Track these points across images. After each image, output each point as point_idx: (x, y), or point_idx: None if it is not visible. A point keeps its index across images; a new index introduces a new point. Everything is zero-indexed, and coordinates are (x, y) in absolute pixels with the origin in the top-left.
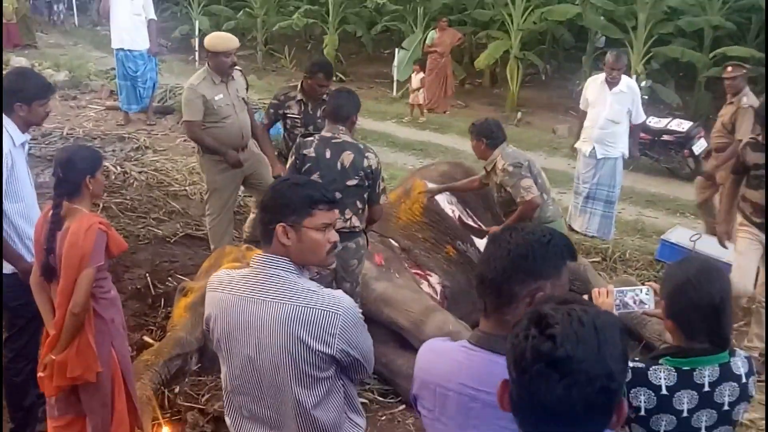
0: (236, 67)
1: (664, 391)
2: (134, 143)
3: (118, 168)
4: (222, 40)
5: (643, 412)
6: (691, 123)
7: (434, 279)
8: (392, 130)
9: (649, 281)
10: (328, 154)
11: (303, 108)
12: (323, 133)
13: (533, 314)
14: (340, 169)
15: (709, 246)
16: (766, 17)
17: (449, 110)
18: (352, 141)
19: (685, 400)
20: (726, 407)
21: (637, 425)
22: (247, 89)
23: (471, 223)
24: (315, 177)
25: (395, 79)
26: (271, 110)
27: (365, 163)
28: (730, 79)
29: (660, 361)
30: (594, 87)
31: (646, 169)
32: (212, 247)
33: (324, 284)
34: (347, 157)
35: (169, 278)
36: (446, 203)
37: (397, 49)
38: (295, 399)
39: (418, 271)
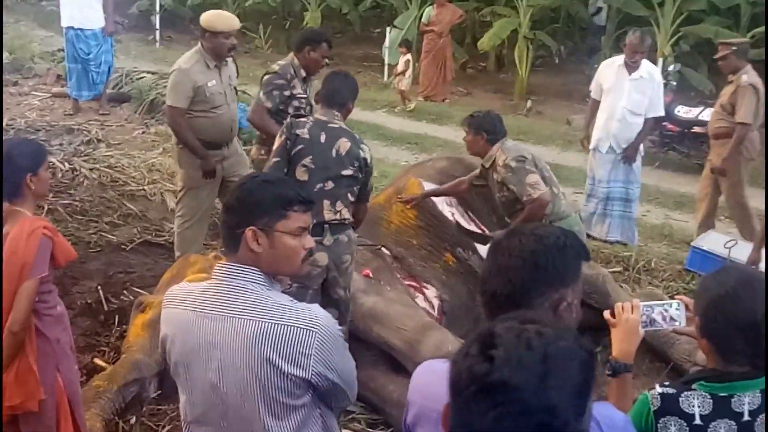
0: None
1: (697, 421)
2: (85, 136)
3: (66, 164)
4: (222, 18)
5: None
6: None
7: (431, 292)
8: (383, 121)
9: (678, 294)
10: (323, 138)
11: (307, 87)
12: (318, 115)
13: (482, 331)
14: (335, 156)
15: (745, 253)
16: (766, 15)
17: (448, 98)
18: (347, 128)
19: (722, 431)
20: None
21: None
22: (237, 76)
23: (471, 227)
24: (307, 161)
25: (386, 62)
26: (276, 92)
27: (361, 154)
28: (721, 59)
29: (693, 386)
30: (610, 72)
31: (675, 166)
32: (177, 254)
33: (313, 288)
34: (344, 145)
35: (125, 291)
36: (444, 205)
37: (388, 28)
38: (266, 431)
39: (413, 283)
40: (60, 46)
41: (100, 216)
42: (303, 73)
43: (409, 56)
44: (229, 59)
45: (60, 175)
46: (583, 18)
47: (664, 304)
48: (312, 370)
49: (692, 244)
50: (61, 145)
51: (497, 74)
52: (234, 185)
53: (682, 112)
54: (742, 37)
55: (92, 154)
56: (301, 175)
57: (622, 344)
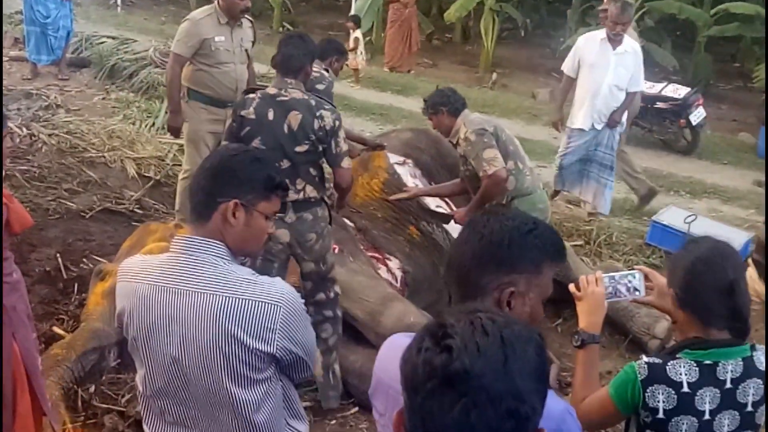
0: (247, 16)
1: (685, 389)
2: (44, 101)
3: (24, 130)
4: None
5: (661, 414)
6: (688, 89)
7: (394, 264)
8: (348, 92)
9: (638, 266)
10: (271, 115)
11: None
12: (267, 89)
13: (431, 324)
14: (287, 132)
15: (705, 228)
16: (766, 11)
17: (414, 69)
18: (301, 98)
19: (707, 399)
20: (749, 408)
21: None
22: (253, 43)
23: (434, 208)
24: (256, 143)
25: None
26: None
27: (316, 124)
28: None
29: (678, 355)
30: (591, 47)
31: (637, 141)
32: (177, 208)
33: (279, 263)
34: (294, 119)
35: (84, 259)
36: (409, 177)
37: None
38: (233, 402)
39: (376, 255)
40: (18, 8)
41: (59, 183)
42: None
43: (358, 33)
44: (248, 24)
45: (18, 140)
46: None
47: (626, 275)
48: (277, 345)
49: (653, 218)
50: (19, 110)
51: (463, 46)
52: (222, 152)
53: (646, 87)
54: (707, 15)
55: (51, 120)
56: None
57: (589, 316)
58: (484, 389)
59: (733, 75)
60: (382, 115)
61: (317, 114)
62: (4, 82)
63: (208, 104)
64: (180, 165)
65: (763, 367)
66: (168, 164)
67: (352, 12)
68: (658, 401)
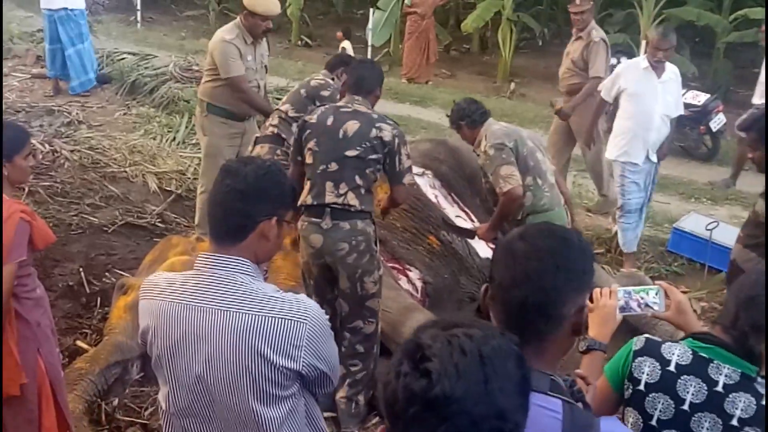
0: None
1: (671, 368)
2: (65, 117)
3: (47, 146)
4: (265, 3)
5: (642, 387)
6: (708, 95)
7: (414, 274)
8: None
9: (659, 276)
10: (329, 121)
11: None
12: (340, 102)
13: (408, 344)
14: (342, 137)
15: (726, 235)
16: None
17: (432, 80)
18: (365, 111)
19: (691, 389)
20: (735, 422)
21: (632, 408)
22: (268, 54)
23: (454, 210)
24: (312, 144)
25: (369, 43)
26: None
27: (373, 133)
28: (580, 13)
29: (682, 341)
30: (633, 75)
31: None
32: (199, 232)
33: (315, 276)
34: (351, 126)
35: (107, 273)
36: (428, 187)
37: (371, 9)
38: (257, 420)
39: (396, 265)
40: (39, 26)
41: (81, 198)
42: None
43: (346, 43)
44: (264, 39)
45: (41, 156)
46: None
47: (641, 290)
48: (303, 362)
49: (674, 225)
50: (41, 126)
51: (481, 56)
52: (245, 171)
53: None
54: (726, 21)
55: (73, 136)
56: (309, 158)
57: (599, 328)
58: (466, 413)
59: (752, 81)
60: (401, 127)
61: (376, 125)
62: (27, 99)
63: (228, 119)
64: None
65: (763, 392)
66: (189, 178)
67: (370, 25)
68: (643, 373)
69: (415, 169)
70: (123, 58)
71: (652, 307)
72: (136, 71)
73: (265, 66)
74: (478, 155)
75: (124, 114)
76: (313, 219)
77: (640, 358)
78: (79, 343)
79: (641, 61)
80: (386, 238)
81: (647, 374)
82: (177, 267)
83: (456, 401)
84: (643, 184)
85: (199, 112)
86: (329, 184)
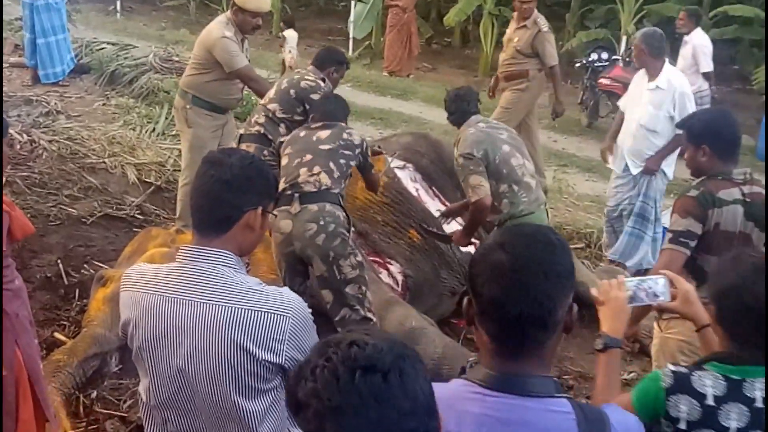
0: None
1: (710, 401)
2: (44, 107)
3: (25, 136)
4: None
5: (683, 425)
6: None
7: (395, 268)
8: (347, 96)
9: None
10: (302, 134)
11: None
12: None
13: (319, 352)
14: (315, 139)
15: None
16: (766, 13)
17: (413, 73)
18: (335, 123)
19: (733, 416)
20: None
21: None
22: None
23: (435, 203)
24: (288, 150)
25: (351, 36)
26: None
27: (344, 135)
28: (527, 3)
29: (705, 366)
30: (636, 80)
31: None
32: (179, 224)
33: (286, 265)
34: (324, 133)
35: (85, 265)
36: (409, 181)
37: (353, 2)
38: (238, 413)
39: (377, 259)
40: (17, 15)
41: (59, 189)
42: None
43: (289, 32)
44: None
45: (18, 147)
46: None
47: (648, 279)
48: (285, 355)
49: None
50: (19, 116)
51: (462, 50)
52: (229, 162)
53: None
54: (706, 17)
55: (51, 126)
56: (284, 161)
57: (611, 322)
58: None
59: (732, 77)
60: (382, 120)
61: (346, 130)
62: (5, 89)
63: (212, 111)
64: (180, 170)
65: None
66: (168, 170)
67: (352, 18)
68: (681, 412)
69: (397, 162)
70: (102, 48)
71: (659, 297)
72: (116, 61)
73: (249, 60)
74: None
75: (103, 104)
76: (282, 207)
77: (674, 397)
78: (57, 335)
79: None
80: (367, 232)
81: (686, 413)
82: (156, 259)
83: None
84: (629, 200)
85: (181, 104)
86: (303, 170)
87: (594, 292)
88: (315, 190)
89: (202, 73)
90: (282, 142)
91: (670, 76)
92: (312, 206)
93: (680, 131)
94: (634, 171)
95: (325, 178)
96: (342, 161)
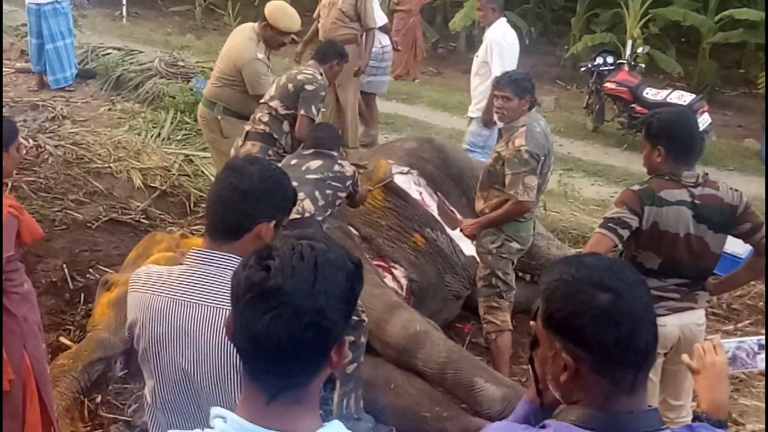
0: None
1: None
2: (50, 112)
3: (31, 141)
4: (288, 19)
5: None
6: (693, 96)
7: (399, 272)
8: None
9: None
10: (293, 161)
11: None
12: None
13: (263, 247)
14: (304, 170)
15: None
16: (766, 18)
17: (419, 78)
18: (326, 152)
19: None
20: None
21: None
22: None
23: (447, 211)
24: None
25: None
26: (320, 104)
27: (335, 167)
28: None
29: None
30: None
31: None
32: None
33: None
34: (314, 163)
35: (90, 270)
36: (412, 184)
37: None
38: None
39: (381, 263)
40: (23, 20)
41: (65, 193)
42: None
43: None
44: None
45: (24, 152)
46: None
47: (747, 339)
48: None
49: None
50: (25, 121)
51: (468, 54)
52: (250, 172)
53: (651, 94)
54: (711, 21)
55: (57, 131)
56: None
57: (712, 394)
58: (291, 304)
59: (737, 81)
60: (387, 124)
61: (338, 161)
62: (11, 94)
63: (242, 119)
64: (186, 175)
65: None
66: (173, 174)
67: None
68: None
69: (400, 168)
70: (108, 54)
71: (760, 354)
72: (122, 66)
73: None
74: (506, 140)
75: (109, 109)
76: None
77: None
78: (62, 339)
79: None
80: (371, 236)
81: None
82: (161, 263)
83: (284, 293)
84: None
85: (211, 115)
86: None
87: (686, 358)
88: (298, 216)
89: (233, 87)
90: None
91: (495, 28)
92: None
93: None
94: (472, 114)
95: (309, 205)
96: (329, 191)
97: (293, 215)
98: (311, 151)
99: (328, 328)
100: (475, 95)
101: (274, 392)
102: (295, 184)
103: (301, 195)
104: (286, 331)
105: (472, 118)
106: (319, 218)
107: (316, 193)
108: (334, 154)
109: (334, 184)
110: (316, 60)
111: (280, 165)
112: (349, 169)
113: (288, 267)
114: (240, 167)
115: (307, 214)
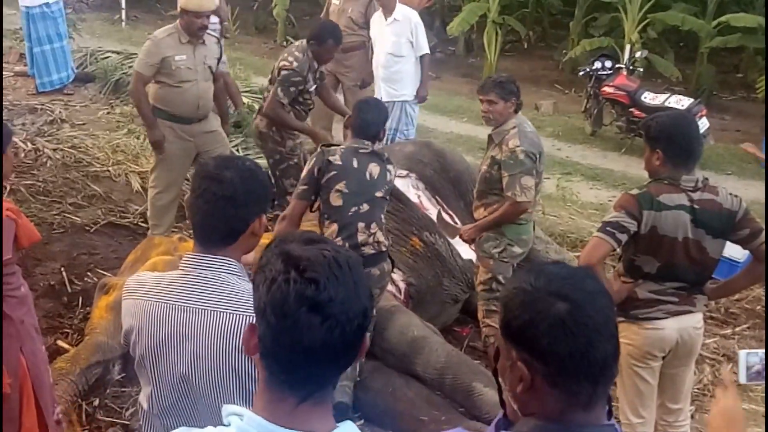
0: (212, 33)
1: None
2: (48, 115)
3: (29, 144)
4: None
5: None
6: (691, 100)
7: (397, 276)
8: None
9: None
10: (355, 164)
11: (317, 81)
12: (348, 143)
13: (285, 255)
14: (369, 179)
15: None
16: (766, 23)
17: None
18: (377, 152)
19: None
20: None
21: None
22: (219, 60)
23: (447, 219)
24: (341, 186)
25: None
26: (293, 89)
27: (388, 176)
28: None
29: None
30: (375, 21)
31: (641, 152)
32: (150, 224)
33: None
34: (374, 168)
35: (89, 273)
36: (410, 188)
37: None
38: None
39: None
40: (20, 24)
41: (63, 197)
42: (315, 65)
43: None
44: (213, 41)
45: (23, 155)
46: (552, 3)
47: (751, 352)
48: None
49: None
50: (23, 125)
51: (466, 58)
52: (230, 177)
53: (649, 98)
54: (709, 26)
55: (56, 134)
56: (336, 200)
57: None
58: (345, 312)
59: (736, 86)
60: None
61: (388, 168)
62: (9, 98)
63: (173, 121)
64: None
65: None
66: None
67: None
68: None
69: (399, 171)
70: (107, 57)
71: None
72: (120, 70)
73: (210, 68)
74: (496, 143)
75: (108, 113)
76: None
77: None
78: (60, 342)
79: (380, 12)
80: None
81: None
82: (159, 267)
83: (338, 303)
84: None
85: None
86: (360, 225)
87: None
88: (374, 252)
89: (155, 82)
90: (328, 161)
91: (403, 11)
92: (375, 270)
93: (422, 53)
94: (387, 98)
95: (381, 237)
96: (386, 209)
97: (370, 250)
98: (363, 144)
99: (366, 326)
100: None
101: (304, 395)
102: (365, 207)
103: (373, 226)
104: (342, 338)
105: None
106: (388, 244)
107: (382, 217)
108: (383, 152)
109: (388, 198)
110: (314, 40)
111: (338, 161)
112: (393, 173)
113: (332, 277)
114: (215, 174)
115: (383, 248)
